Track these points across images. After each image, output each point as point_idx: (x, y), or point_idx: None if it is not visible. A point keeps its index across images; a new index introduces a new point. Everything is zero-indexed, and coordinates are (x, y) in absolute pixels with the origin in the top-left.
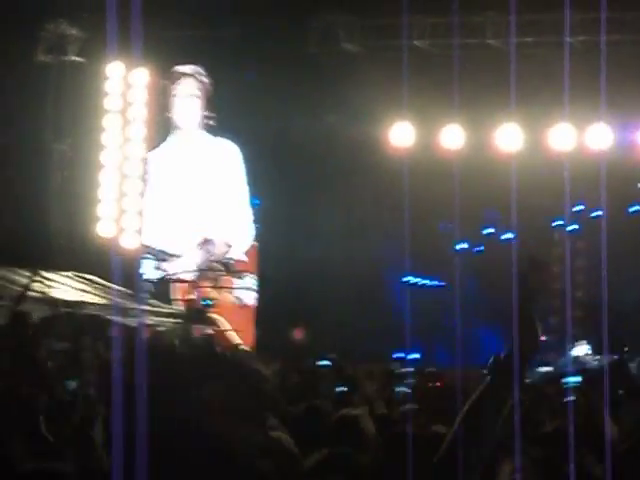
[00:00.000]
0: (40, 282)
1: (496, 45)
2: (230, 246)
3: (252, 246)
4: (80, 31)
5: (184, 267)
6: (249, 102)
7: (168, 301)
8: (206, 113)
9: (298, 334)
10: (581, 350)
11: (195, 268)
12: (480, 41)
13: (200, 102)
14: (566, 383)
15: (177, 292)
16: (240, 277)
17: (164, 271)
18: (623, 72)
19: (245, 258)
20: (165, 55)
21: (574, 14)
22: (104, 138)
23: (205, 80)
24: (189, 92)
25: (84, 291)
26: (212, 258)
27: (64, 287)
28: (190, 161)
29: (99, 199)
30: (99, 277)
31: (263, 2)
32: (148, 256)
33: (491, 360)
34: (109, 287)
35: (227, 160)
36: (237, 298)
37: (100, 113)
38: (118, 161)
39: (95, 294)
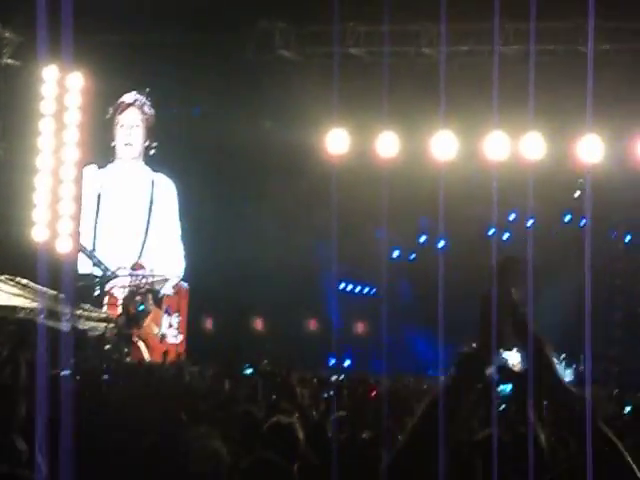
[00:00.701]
0: None
1: (431, 53)
2: (165, 279)
3: (185, 289)
4: (15, 34)
5: (116, 283)
6: (185, 106)
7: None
8: (147, 143)
9: (230, 340)
10: (513, 357)
11: (126, 286)
12: (415, 49)
13: (142, 132)
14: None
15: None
16: (169, 314)
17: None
18: (557, 81)
19: (172, 292)
20: (101, 59)
21: (509, 24)
22: (39, 142)
23: (148, 111)
24: (132, 123)
25: (16, 295)
26: (142, 282)
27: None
28: (130, 191)
29: (34, 203)
30: (32, 281)
31: (201, 8)
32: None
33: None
34: (42, 291)
35: (163, 196)
36: (162, 335)
37: (35, 117)
38: (53, 165)
39: (28, 298)
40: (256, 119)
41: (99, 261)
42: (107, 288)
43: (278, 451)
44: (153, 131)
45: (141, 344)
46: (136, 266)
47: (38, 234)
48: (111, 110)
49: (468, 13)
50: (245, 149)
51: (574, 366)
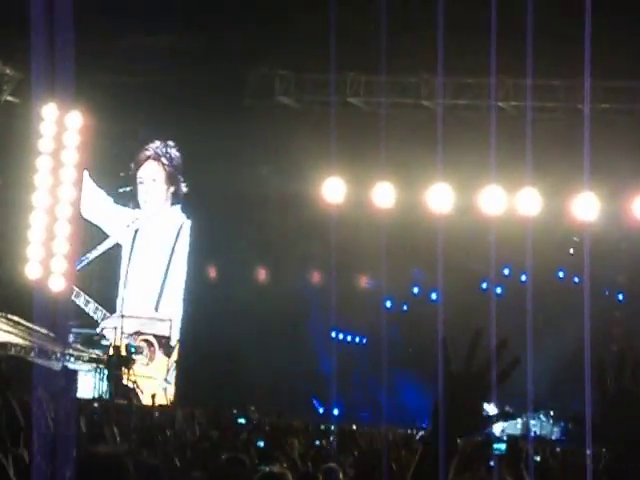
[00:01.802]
0: None
1: (429, 106)
2: (169, 321)
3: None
4: (15, 71)
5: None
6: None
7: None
8: (173, 189)
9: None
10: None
11: (131, 330)
12: (414, 101)
13: (162, 184)
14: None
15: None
16: (169, 356)
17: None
18: (554, 138)
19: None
20: (100, 99)
21: (508, 80)
22: (36, 179)
23: (167, 161)
24: (150, 177)
25: (8, 332)
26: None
27: None
28: (149, 239)
29: (28, 240)
30: (24, 319)
31: (201, 51)
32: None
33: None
34: (34, 329)
35: (178, 238)
36: (166, 381)
37: (33, 154)
38: (49, 203)
39: (19, 336)
40: (253, 164)
41: (96, 307)
42: (99, 329)
43: None
44: (176, 176)
45: (140, 387)
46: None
47: (32, 272)
48: (133, 165)
49: (468, 67)
50: (241, 194)
51: (562, 424)
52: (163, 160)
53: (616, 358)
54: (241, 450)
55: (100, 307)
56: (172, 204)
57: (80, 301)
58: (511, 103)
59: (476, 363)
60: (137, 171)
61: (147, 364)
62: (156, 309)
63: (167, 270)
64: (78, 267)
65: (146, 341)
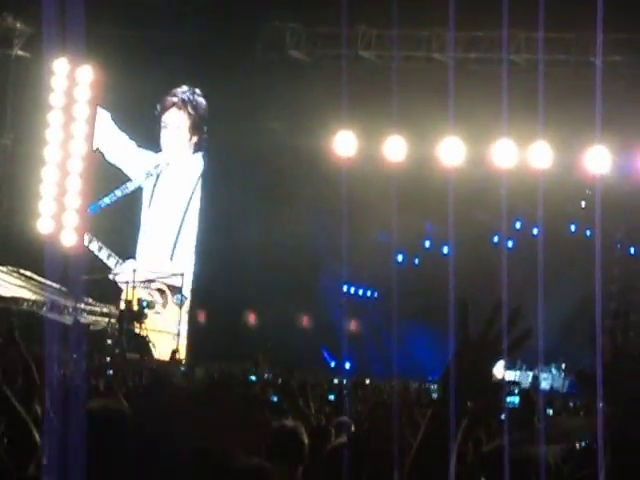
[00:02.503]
0: None
1: (441, 59)
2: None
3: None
4: (26, 25)
5: (137, 275)
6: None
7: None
8: (195, 139)
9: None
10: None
11: (147, 279)
12: (425, 54)
13: (185, 132)
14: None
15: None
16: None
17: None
18: (566, 91)
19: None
20: (113, 54)
21: (520, 33)
22: (48, 134)
23: (193, 110)
24: (175, 124)
25: (21, 287)
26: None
27: (0, 282)
28: (169, 186)
29: (40, 195)
30: (36, 273)
31: (212, 7)
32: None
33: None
34: (46, 284)
35: (196, 187)
36: (178, 332)
37: (44, 109)
38: (61, 158)
39: (31, 290)
40: (264, 119)
41: (101, 247)
42: (111, 276)
43: (284, 456)
44: (201, 125)
45: (151, 341)
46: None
47: (43, 226)
48: (159, 107)
49: (479, 20)
50: (253, 149)
51: (573, 377)
52: (189, 108)
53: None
54: (254, 406)
55: (113, 254)
56: (194, 152)
57: (93, 247)
58: (522, 56)
59: (493, 332)
60: (162, 115)
61: (159, 312)
62: (171, 258)
63: (183, 219)
64: (94, 211)
65: (159, 290)
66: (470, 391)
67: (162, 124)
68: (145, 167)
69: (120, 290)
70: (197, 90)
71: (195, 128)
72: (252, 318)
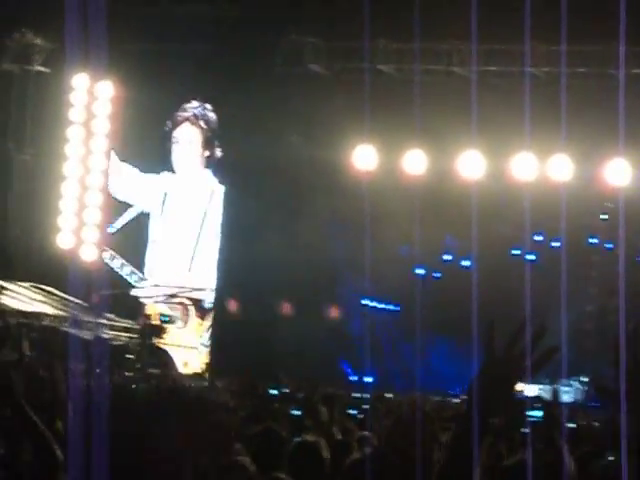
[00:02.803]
0: None
1: (461, 73)
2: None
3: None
4: (46, 41)
5: (159, 290)
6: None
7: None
8: (207, 153)
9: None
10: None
11: (169, 293)
12: (445, 68)
13: (198, 146)
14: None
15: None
16: (203, 319)
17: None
18: (586, 104)
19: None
20: (132, 68)
21: (539, 46)
22: (67, 149)
23: (205, 125)
24: (187, 139)
25: (42, 302)
26: (185, 292)
27: (21, 298)
28: (186, 203)
29: (60, 210)
30: (57, 289)
31: (233, 19)
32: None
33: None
34: (67, 299)
35: (211, 202)
36: (202, 345)
37: (64, 124)
38: (80, 173)
39: (53, 306)
40: (282, 132)
41: (124, 263)
42: (134, 293)
43: (305, 471)
44: (212, 140)
45: (174, 355)
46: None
47: (64, 242)
48: (169, 123)
49: (500, 34)
50: (271, 162)
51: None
52: (201, 123)
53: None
54: (275, 420)
55: (135, 270)
56: (205, 167)
57: (115, 264)
58: (543, 69)
59: (517, 350)
60: (173, 131)
61: (182, 327)
62: (189, 270)
63: (200, 234)
64: (111, 229)
65: (181, 304)
66: (494, 408)
67: (173, 139)
68: (150, 191)
69: (142, 305)
70: (207, 105)
71: (207, 143)
72: (272, 332)
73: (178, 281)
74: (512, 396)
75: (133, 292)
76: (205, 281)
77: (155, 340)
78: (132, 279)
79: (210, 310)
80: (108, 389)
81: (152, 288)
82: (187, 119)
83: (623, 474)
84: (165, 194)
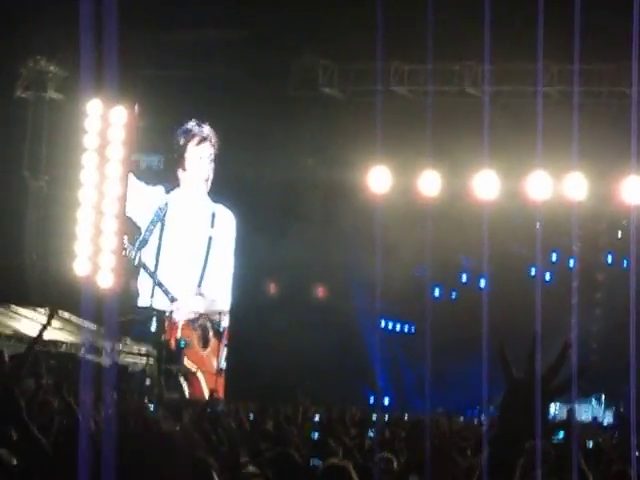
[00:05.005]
0: (13, 318)
1: (474, 93)
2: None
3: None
4: (59, 68)
5: (181, 311)
6: (228, 142)
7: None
8: (211, 173)
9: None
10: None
11: (190, 315)
12: (458, 89)
13: (208, 163)
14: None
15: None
16: (226, 345)
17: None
18: (600, 122)
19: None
20: (145, 94)
21: (552, 65)
22: (82, 175)
23: (215, 143)
24: (208, 156)
25: (58, 329)
26: (203, 312)
27: (38, 324)
28: (192, 220)
29: (76, 236)
30: (74, 315)
31: (246, 44)
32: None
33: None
34: (84, 325)
35: (223, 228)
36: (220, 369)
37: (78, 150)
38: (96, 199)
39: (70, 332)
40: (298, 155)
41: (160, 282)
42: (168, 313)
43: None
44: (216, 161)
45: (200, 376)
46: (199, 295)
47: (80, 267)
48: (182, 140)
49: (512, 54)
50: (286, 185)
51: (614, 407)
52: (212, 142)
53: None
54: (292, 442)
55: (168, 289)
56: (210, 185)
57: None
58: (556, 88)
59: (535, 367)
60: (186, 146)
61: (202, 350)
62: (200, 294)
63: (207, 255)
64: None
65: (200, 327)
66: (525, 430)
67: (193, 154)
68: (151, 208)
69: (160, 330)
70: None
71: (213, 162)
72: (289, 356)
73: (198, 305)
74: (545, 417)
75: (152, 316)
76: (220, 304)
77: (172, 365)
78: (167, 298)
79: (224, 334)
80: (118, 416)
81: (175, 311)
82: (206, 139)
83: None
84: (165, 212)
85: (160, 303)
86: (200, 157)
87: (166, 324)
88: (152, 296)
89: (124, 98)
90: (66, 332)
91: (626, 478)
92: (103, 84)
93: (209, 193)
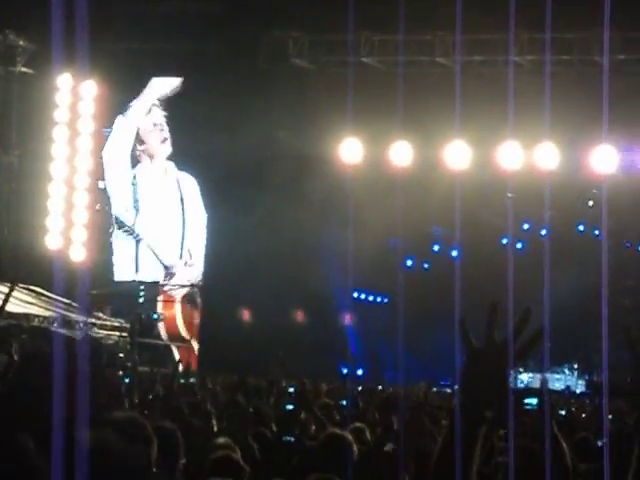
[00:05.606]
0: None
1: (445, 63)
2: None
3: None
4: (29, 42)
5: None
6: (199, 115)
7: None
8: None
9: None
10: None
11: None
12: (430, 59)
13: (165, 132)
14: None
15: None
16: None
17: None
18: (571, 91)
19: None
20: (115, 68)
21: (523, 34)
22: (53, 149)
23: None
24: (162, 121)
25: (31, 303)
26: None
27: (10, 299)
28: (162, 189)
29: (48, 211)
30: (46, 289)
31: (215, 16)
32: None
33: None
34: (56, 299)
35: (190, 194)
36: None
37: (49, 124)
38: (67, 173)
39: (42, 306)
40: (269, 127)
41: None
42: (165, 288)
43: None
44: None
45: (164, 353)
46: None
47: (52, 242)
48: (132, 114)
49: (483, 23)
50: (257, 157)
51: (586, 376)
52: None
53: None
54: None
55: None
56: (169, 153)
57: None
58: (527, 57)
59: (496, 334)
60: (144, 117)
61: (173, 323)
62: (181, 258)
63: (184, 224)
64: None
65: (171, 301)
66: (487, 398)
67: (146, 124)
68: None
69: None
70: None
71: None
72: (261, 327)
73: (175, 278)
74: (504, 385)
75: (124, 289)
76: (195, 276)
77: (145, 338)
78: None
79: (199, 305)
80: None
81: (146, 284)
82: (155, 105)
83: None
84: (135, 179)
85: (149, 275)
86: (162, 124)
87: (161, 297)
88: (137, 270)
89: (94, 72)
90: (38, 306)
91: (589, 445)
92: (73, 58)
93: (176, 163)
